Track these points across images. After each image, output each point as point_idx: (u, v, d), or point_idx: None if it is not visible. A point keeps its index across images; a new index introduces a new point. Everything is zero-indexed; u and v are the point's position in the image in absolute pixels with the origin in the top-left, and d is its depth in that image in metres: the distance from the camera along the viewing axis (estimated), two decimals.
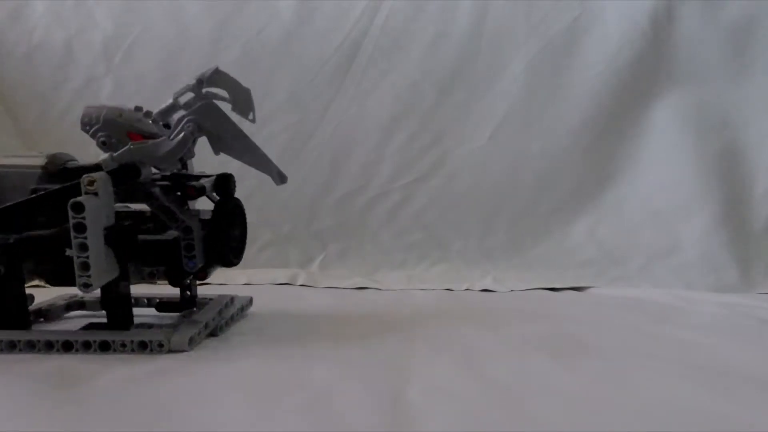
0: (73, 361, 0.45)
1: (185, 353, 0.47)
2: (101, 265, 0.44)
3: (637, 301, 0.80)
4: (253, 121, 0.49)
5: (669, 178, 1.01)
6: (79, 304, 0.63)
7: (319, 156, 1.03)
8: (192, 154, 0.52)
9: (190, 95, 0.50)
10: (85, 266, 0.42)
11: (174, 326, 0.51)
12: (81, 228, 0.42)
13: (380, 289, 0.89)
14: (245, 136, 0.49)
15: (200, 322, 0.51)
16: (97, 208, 0.44)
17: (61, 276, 0.47)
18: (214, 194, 0.55)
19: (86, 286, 0.43)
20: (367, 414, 0.36)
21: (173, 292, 0.57)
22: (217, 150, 0.50)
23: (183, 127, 0.48)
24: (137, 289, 0.56)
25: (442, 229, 1.04)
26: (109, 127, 0.48)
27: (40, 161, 0.49)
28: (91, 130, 0.48)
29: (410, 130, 1.05)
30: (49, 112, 1.03)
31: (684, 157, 1.01)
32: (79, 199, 0.42)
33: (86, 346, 0.47)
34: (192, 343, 0.49)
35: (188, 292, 0.58)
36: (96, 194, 0.43)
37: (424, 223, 1.05)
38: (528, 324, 0.62)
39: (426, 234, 1.04)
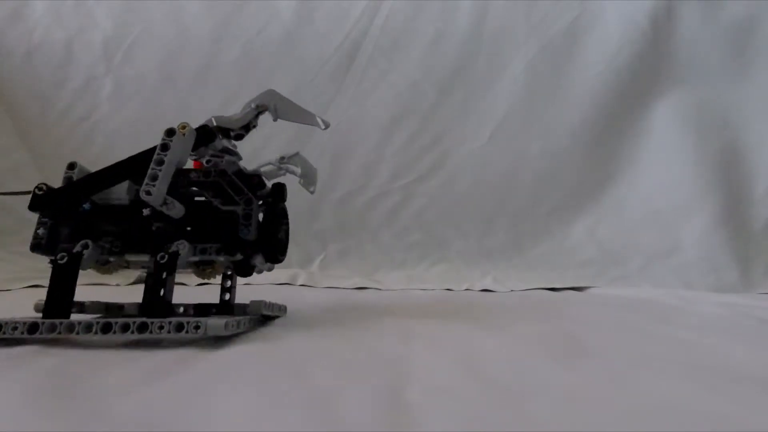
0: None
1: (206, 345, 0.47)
2: (164, 185, 0.48)
3: (637, 301, 0.80)
4: (312, 192, 0.62)
5: (669, 178, 1.02)
6: (119, 308, 0.64)
7: (320, 156, 1.03)
8: (255, 124, 0.61)
9: (270, 167, 0.62)
10: (154, 177, 0.47)
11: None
12: (165, 147, 0.49)
13: (380, 289, 0.89)
14: (294, 105, 0.63)
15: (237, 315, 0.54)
16: (180, 146, 0.50)
17: (134, 242, 0.52)
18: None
19: (148, 194, 0.47)
20: (366, 414, 0.36)
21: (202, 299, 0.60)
22: (275, 118, 0.62)
23: (248, 106, 0.60)
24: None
25: (442, 229, 1.05)
26: None
27: None
28: None
29: (410, 130, 1.05)
30: (49, 112, 1.04)
31: (684, 157, 1.01)
32: (173, 127, 0.50)
33: (124, 328, 0.48)
34: (228, 327, 0.50)
35: (227, 295, 0.60)
36: (183, 135, 0.50)
37: (424, 223, 1.05)
38: (528, 324, 0.62)
39: (426, 234, 1.05)
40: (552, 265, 1.00)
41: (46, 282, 0.88)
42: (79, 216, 0.51)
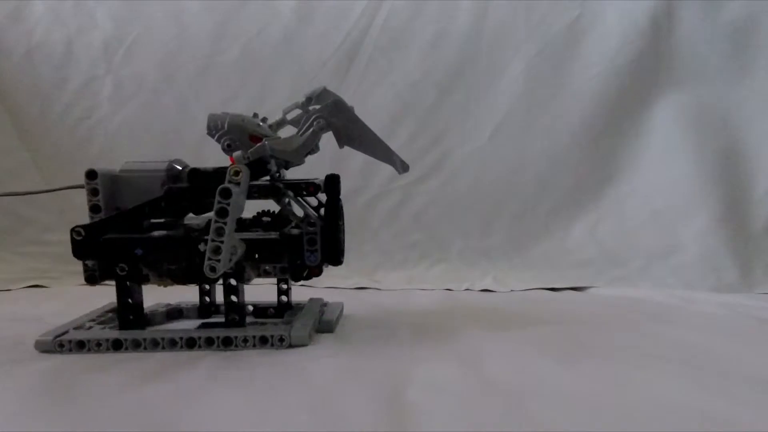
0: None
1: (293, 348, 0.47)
2: (229, 254, 0.45)
3: (637, 301, 0.79)
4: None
5: (669, 178, 1.01)
6: (178, 312, 0.63)
7: (320, 156, 1.03)
8: (317, 149, 0.54)
9: (297, 111, 0.54)
10: (217, 250, 0.44)
11: (283, 324, 0.52)
12: (223, 213, 0.45)
13: (380, 289, 0.89)
14: (369, 130, 0.53)
15: (312, 320, 0.53)
16: (238, 201, 0.46)
17: (189, 274, 0.49)
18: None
19: (213, 270, 0.44)
20: (366, 414, 0.36)
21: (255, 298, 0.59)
22: (342, 144, 0.53)
23: (312, 123, 0.52)
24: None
25: (442, 229, 1.04)
26: (234, 131, 0.53)
27: (163, 166, 0.53)
28: (217, 135, 0.53)
29: (410, 130, 1.05)
30: (49, 112, 1.03)
31: (684, 157, 1.01)
32: (227, 185, 0.45)
33: (209, 343, 0.48)
34: (310, 338, 0.50)
35: (284, 298, 0.60)
36: (238, 184, 0.46)
37: (424, 223, 1.05)
38: (528, 324, 0.62)
39: (426, 234, 1.04)
40: (552, 265, 0.99)
41: (46, 282, 0.90)
42: (132, 259, 0.48)
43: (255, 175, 0.48)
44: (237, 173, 0.46)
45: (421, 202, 1.05)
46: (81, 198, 1.01)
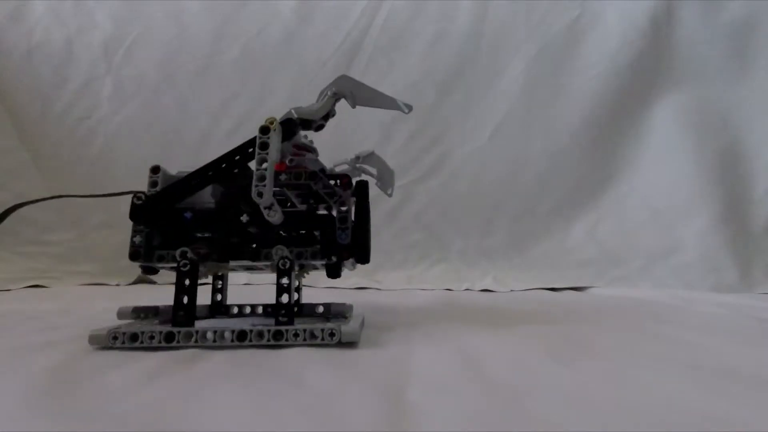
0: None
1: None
2: (271, 185, 0.47)
3: (637, 301, 0.80)
4: (390, 195, 0.62)
5: (669, 178, 1.02)
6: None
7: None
8: (334, 113, 0.60)
9: (345, 166, 0.61)
10: (262, 177, 0.47)
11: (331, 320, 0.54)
12: (264, 146, 0.48)
13: (380, 289, 0.89)
14: (371, 89, 0.61)
15: (358, 317, 0.55)
16: (276, 143, 0.49)
17: (231, 248, 0.52)
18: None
19: (260, 195, 0.47)
20: (366, 414, 0.36)
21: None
22: (354, 104, 0.61)
23: (325, 94, 0.59)
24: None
25: (442, 229, 1.05)
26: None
27: None
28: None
29: (410, 130, 1.05)
30: (49, 112, 1.04)
31: (684, 157, 1.01)
32: (265, 123, 0.48)
33: (260, 336, 0.48)
34: (360, 334, 0.51)
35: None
36: (274, 130, 0.49)
37: (424, 223, 1.05)
38: (528, 324, 0.62)
39: (426, 234, 1.05)
40: (552, 265, 1.00)
41: (46, 282, 0.90)
42: (182, 224, 0.51)
43: (286, 133, 0.53)
44: (272, 122, 0.50)
45: (421, 202, 1.05)
46: (83, 199, 1.01)
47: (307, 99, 1.13)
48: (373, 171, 0.60)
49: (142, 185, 0.60)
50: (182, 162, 1.09)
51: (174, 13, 1.05)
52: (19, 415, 0.35)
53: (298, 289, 0.62)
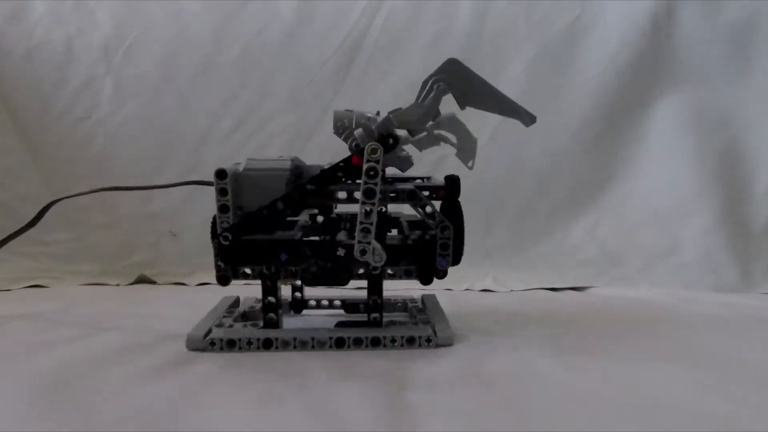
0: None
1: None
2: (378, 248, 0.46)
3: (637, 301, 0.80)
4: (470, 168, 0.54)
5: (669, 178, 1.01)
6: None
7: (319, 156, 1.03)
8: (438, 113, 0.52)
9: (422, 133, 0.54)
10: (367, 232, 0.45)
11: (420, 324, 0.54)
12: (371, 194, 0.45)
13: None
14: (490, 86, 0.51)
15: (447, 320, 0.55)
16: (381, 180, 0.46)
17: (321, 277, 0.50)
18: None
19: (363, 253, 0.46)
20: (363, 414, 0.36)
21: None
22: (463, 105, 0.52)
23: (431, 87, 0.51)
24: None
25: None
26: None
27: (287, 164, 0.51)
28: (344, 134, 0.52)
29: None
30: (49, 112, 1.03)
31: (684, 157, 1.01)
32: (372, 164, 0.45)
33: (357, 343, 0.49)
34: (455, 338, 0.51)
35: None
36: (378, 162, 0.45)
37: None
38: (528, 324, 0.62)
39: None
40: (552, 265, 0.99)
41: (46, 282, 0.90)
42: (277, 263, 0.49)
43: (387, 149, 0.48)
44: (375, 150, 0.45)
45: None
46: (83, 198, 1.01)
47: (307, 99, 1.12)
48: (453, 139, 0.53)
49: (142, 184, 0.60)
50: (182, 162, 1.09)
51: (174, 13, 1.04)
52: (18, 414, 0.35)
53: None
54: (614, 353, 0.51)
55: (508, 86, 1.07)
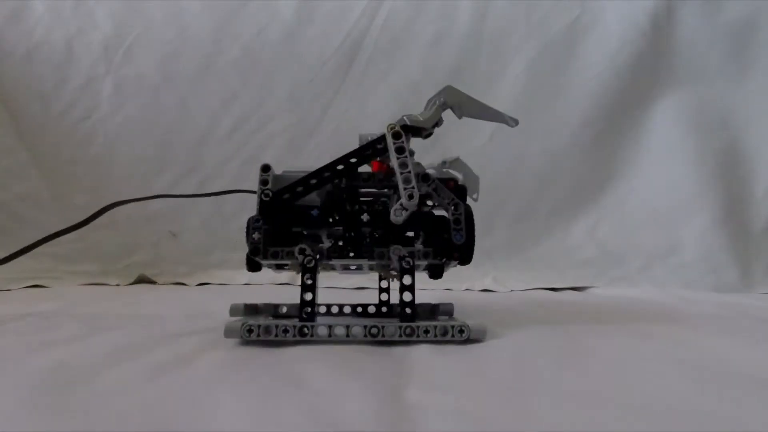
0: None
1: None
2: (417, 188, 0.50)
3: (637, 301, 0.79)
4: (475, 200, 0.62)
5: (669, 178, 1.02)
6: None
7: (319, 156, 1.02)
8: (442, 122, 0.61)
9: (432, 171, 0.61)
10: (408, 180, 0.49)
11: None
12: (401, 150, 0.50)
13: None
14: (478, 102, 0.62)
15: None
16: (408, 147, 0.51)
17: (350, 246, 0.53)
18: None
19: (411, 197, 0.50)
20: (365, 413, 0.36)
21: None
22: (459, 115, 0.62)
23: (433, 104, 0.60)
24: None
25: None
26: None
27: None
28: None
29: None
30: (49, 112, 1.03)
31: (684, 157, 1.01)
32: (396, 127, 0.50)
33: (392, 333, 0.50)
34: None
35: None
36: (400, 138, 0.51)
37: None
38: (528, 324, 0.62)
39: None
40: (552, 265, 0.99)
41: (46, 282, 0.89)
42: (307, 220, 0.53)
43: (407, 130, 0.54)
44: (393, 127, 0.52)
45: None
46: (83, 199, 1.01)
47: (307, 99, 1.12)
48: (459, 176, 0.61)
49: (142, 184, 0.60)
50: (182, 162, 1.09)
51: (174, 13, 1.05)
52: (18, 414, 0.35)
53: (387, 290, 0.64)
54: (614, 353, 0.51)
55: (508, 86, 1.08)
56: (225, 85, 1.05)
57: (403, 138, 0.51)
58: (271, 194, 0.52)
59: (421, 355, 0.49)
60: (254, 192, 0.53)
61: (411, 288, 0.53)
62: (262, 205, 0.52)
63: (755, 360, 0.49)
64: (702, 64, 1.02)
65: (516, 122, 0.61)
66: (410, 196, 0.49)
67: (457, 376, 0.43)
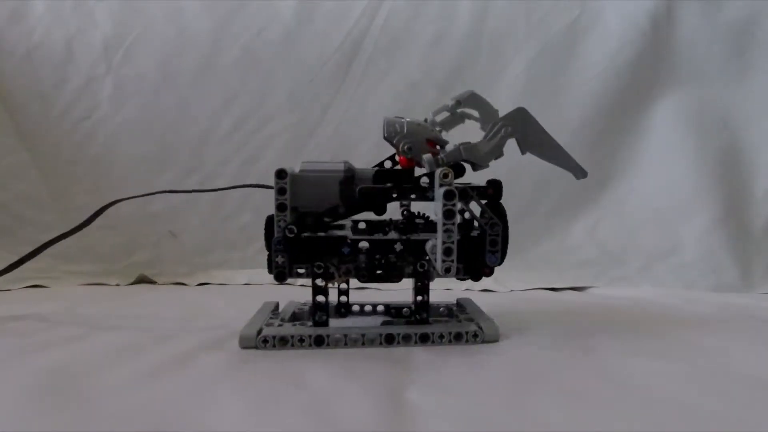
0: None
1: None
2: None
3: (637, 301, 0.79)
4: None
5: (669, 178, 1.02)
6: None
7: (319, 156, 1.03)
8: (502, 154, 0.58)
9: (445, 114, 0.58)
10: (449, 251, 0.45)
11: (464, 321, 0.55)
12: (450, 215, 0.46)
13: (380, 289, 0.89)
14: (550, 138, 0.57)
15: (489, 318, 0.56)
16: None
17: (375, 273, 0.52)
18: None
19: (447, 271, 0.46)
20: (366, 413, 0.36)
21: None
22: (524, 150, 0.58)
23: (498, 130, 0.56)
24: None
25: None
26: (412, 135, 0.54)
27: (341, 166, 0.53)
28: (396, 138, 0.54)
29: None
30: (49, 112, 1.03)
31: (684, 157, 1.01)
32: (451, 187, 0.46)
33: (406, 339, 0.50)
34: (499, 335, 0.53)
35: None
36: (451, 185, 0.48)
37: None
38: (528, 324, 0.62)
39: None
40: (552, 265, 0.99)
41: (46, 282, 0.90)
42: (341, 257, 0.51)
43: (457, 174, 0.52)
44: (446, 175, 0.48)
45: (421, 202, 1.05)
46: (83, 199, 1.01)
47: (307, 99, 1.12)
48: (477, 115, 0.57)
49: (143, 184, 0.60)
50: (182, 162, 1.10)
51: (174, 13, 1.04)
52: (18, 413, 0.35)
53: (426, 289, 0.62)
54: (614, 353, 0.51)
55: (508, 86, 1.08)
56: (225, 85, 1.04)
57: (456, 200, 0.46)
58: (295, 231, 0.50)
59: (421, 355, 0.49)
60: (258, 186, 0.52)
61: (426, 290, 0.53)
62: (286, 242, 0.50)
63: (755, 360, 0.49)
64: (702, 64, 1.02)
65: (585, 175, 0.57)
66: (447, 270, 0.46)
67: (457, 376, 0.43)
